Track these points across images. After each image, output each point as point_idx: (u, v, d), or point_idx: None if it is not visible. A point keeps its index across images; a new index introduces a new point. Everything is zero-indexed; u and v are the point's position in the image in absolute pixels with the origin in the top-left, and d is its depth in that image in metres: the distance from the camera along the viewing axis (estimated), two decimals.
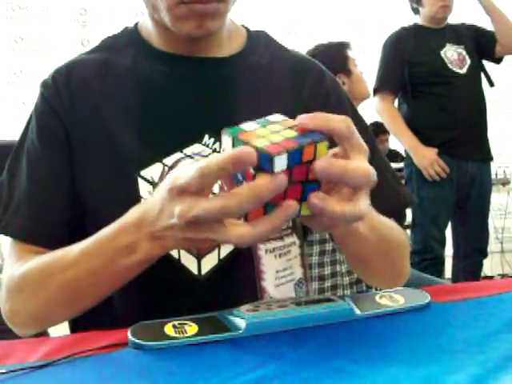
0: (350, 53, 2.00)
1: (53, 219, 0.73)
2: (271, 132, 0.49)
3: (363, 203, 0.51)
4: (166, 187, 0.52)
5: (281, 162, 0.46)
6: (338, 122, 0.51)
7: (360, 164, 0.50)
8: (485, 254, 2.63)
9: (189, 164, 0.52)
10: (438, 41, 2.52)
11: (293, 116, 0.54)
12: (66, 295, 0.67)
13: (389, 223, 0.76)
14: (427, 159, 2.41)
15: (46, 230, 0.73)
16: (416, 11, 2.58)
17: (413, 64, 2.47)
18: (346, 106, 0.84)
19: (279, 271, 0.71)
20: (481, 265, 2.66)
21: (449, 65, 2.46)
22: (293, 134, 0.49)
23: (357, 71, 2.00)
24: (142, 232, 0.57)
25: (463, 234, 2.55)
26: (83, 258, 0.63)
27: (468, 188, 2.49)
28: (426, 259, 2.45)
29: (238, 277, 0.73)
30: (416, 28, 2.57)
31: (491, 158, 2.61)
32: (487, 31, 2.63)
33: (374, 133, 0.91)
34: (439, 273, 2.44)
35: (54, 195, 0.73)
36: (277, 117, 0.52)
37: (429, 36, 2.53)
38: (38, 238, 0.73)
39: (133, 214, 0.59)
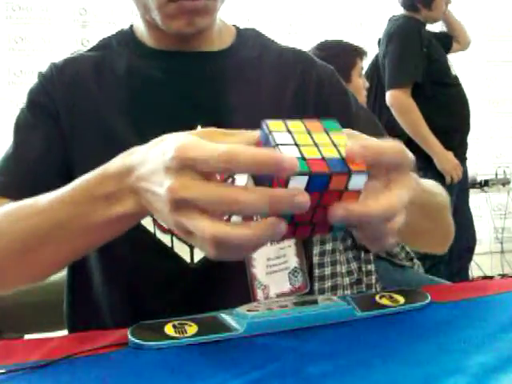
0: (360, 62, 1.96)
1: (38, 182, 0.69)
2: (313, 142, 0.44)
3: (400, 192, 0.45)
4: (171, 152, 0.43)
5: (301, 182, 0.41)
6: (392, 152, 0.45)
7: (381, 206, 0.43)
8: (472, 252, 2.64)
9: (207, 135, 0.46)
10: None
11: (284, 107, 0.52)
12: (23, 245, 0.60)
13: (430, 184, 0.73)
14: (451, 163, 2.36)
15: (29, 189, 0.65)
16: (414, 8, 2.48)
17: (431, 60, 2.37)
18: (343, 92, 0.84)
19: (270, 259, 0.71)
20: (468, 264, 2.68)
21: (449, 65, 2.46)
22: (335, 154, 0.43)
23: (357, 81, 1.95)
24: (125, 183, 0.51)
25: (455, 234, 2.54)
26: (53, 205, 0.57)
27: (459, 188, 2.49)
28: (435, 263, 2.43)
29: (231, 264, 0.72)
30: (421, 22, 2.46)
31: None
32: (444, 33, 2.69)
33: None
34: (445, 277, 2.42)
35: (40, 165, 0.73)
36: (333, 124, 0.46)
37: (429, 33, 2.50)
38: (12, 192, 0.69)
39: (116, 163, 0.53)
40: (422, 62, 2.33)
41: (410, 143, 2.42)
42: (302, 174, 0.41)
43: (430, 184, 0.74)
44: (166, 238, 0.72)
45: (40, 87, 0.77)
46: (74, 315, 0.77)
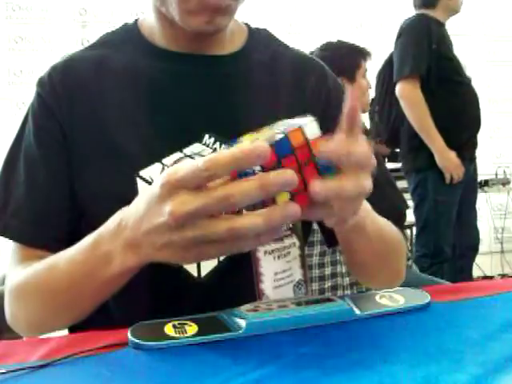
0: (364, 63, 1.96)
1: (52, 222, 0.73)
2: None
3: (366, 180, 0.51)
4: (160, 182, 0.48)
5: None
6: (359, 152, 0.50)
7: (361, 147, 0.50)
8: (477, 250, 2.64)
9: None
10: (448, 37, 2.48)
11: (295, 114, 0.54)
12: (53, 305, 0.67)
13: (388, 225, 0.76)
14: (453, 163, 2.35)
15: (45, 232, 0.72)
16: (433, 3, 2.45)
17: (440, 57, 2.35)
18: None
19: (278, 273, 0.71)
20: (473, 262, 2.67)
21: (461, 64, 2.44)
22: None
23: (362, 82, 1.94)
24: (118, 240, 0.55)
25: (458, 233, 2.54)
26: (67, 268, 0.63)
27: (467, 187, 2.49)
28: (437, 263, 2.43)
29: (238, 279, 0.73)
30: (434, 20, 2.44)
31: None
32: None
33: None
34: (451, 278, 2.41)
35: (53, 197, 0.73)
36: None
37: (444, 31, 2.47)
38: (37, 241, 0.72)
39: (114, 219, 0.56)
40: (426, 56, 2.32)
41: (414, 140, 2.42)
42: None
43: (387, 224, 0.77)
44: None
45: (42, 104, 0.75)
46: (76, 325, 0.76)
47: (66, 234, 0.73)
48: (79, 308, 0.65)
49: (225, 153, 0.45)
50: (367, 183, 0.51)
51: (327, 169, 0.49)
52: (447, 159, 2.36)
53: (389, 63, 2.52)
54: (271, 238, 0.49)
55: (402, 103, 2.36)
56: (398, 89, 2.34)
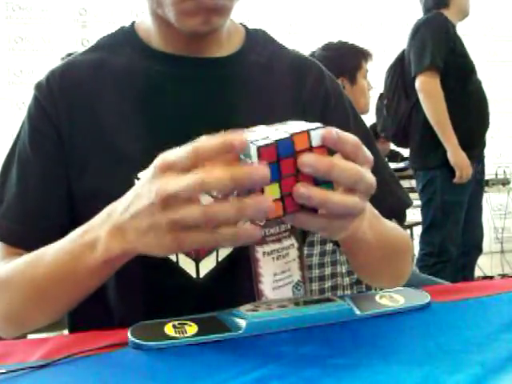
0: (365, 63, 1.96)
1: (42, 224, 0.72)
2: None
3: (357, 201, 0.50)
4: (153, 165, 0.50)
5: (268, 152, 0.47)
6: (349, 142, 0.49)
7: (350, 164, 0.49)
8: (481, 250, 2.64)
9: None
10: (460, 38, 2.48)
11: (292, 115, 0.53)
12: (35, 296, 0.66)
13: (393, 227, 0.76)
14: (465, 162, 2.34)
15: (33, 234, 0.72)
16: (445, 2, 2.44)
17: (458, 54, 2.35)
18: (346, 107, 0.83)
19: (277, 274, 0.71)
20: (476, 261, 2.67)
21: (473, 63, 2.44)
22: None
23: (362, 83, 1.94)
24: (104, 226, 0.56)
25: (463, 231, 2.53)
26: (52, 258, 0.63)
27: (475, 186, 2.49)
28: (441, 262, 2.43)
29: (237, 279, 0.73)
30: (449, 20, 2.43)
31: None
32: None
33: (374, 134, 0.92)
34: (452, 275, 2.40)
35: (44, 200, 0.73)
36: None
37: (456, 33, 2.46)
38: (25, 242, 0.72)
39: (104, 210, 0.58)
40: (444, 51, 2.31)
41: (425, 138, 2.39)
42: (269, 145, 0.47)
43: (396, 227, 0.77)
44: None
45: (38, 107, 0.75)
46: (77, 316, 0.76)
47: (56, 236, 0.73)
48: (61, 300, 0.65)
49: (207, 143, 0.48)
50: (358, 204, 0.50)
51: (325, 180, 0.49)
52: (460, 157, 2.34)
53: (400, 59, 2.52)
54: (247, 239, 0.49)
55: (421, 96, 2.33)
56: (418, 82, 2.32)
